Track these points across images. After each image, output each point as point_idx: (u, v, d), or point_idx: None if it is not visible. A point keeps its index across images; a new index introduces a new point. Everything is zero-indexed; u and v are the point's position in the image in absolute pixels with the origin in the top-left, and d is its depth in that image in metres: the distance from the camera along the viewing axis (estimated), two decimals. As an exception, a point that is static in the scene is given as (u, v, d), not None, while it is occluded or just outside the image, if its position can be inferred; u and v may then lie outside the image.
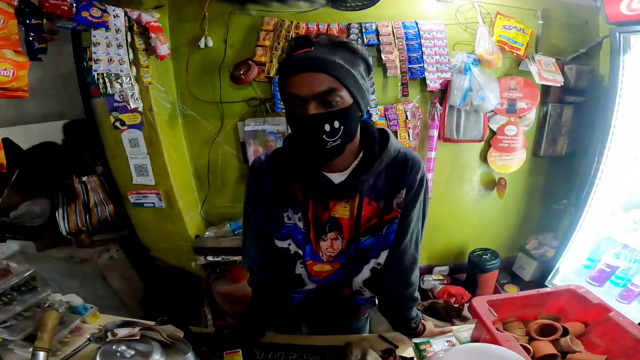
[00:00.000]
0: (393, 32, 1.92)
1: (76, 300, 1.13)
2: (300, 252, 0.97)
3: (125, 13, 1.49)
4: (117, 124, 1.91)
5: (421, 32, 1.93)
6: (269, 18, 1.87)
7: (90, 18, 1.32)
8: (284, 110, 0.86)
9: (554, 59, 2.07)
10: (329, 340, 1.11)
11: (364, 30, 1.89)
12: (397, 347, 1.08)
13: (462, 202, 2.38)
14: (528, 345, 0.98)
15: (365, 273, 1.00)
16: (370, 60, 0.84)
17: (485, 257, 2.24)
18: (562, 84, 2.04)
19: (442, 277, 2.40)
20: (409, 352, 1.07)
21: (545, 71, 1.98)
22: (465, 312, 1.43)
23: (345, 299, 1.07)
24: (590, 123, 2.21)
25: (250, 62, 1.88)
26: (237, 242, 2.00)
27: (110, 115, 1.89)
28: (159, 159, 1.95)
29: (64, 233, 2.07)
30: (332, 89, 0.73)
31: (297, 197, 0.91)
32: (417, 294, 1.08)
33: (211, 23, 1.88)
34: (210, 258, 1.97)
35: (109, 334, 0.85)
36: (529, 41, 2.01)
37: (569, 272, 2.15)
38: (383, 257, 0.97)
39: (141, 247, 2.22)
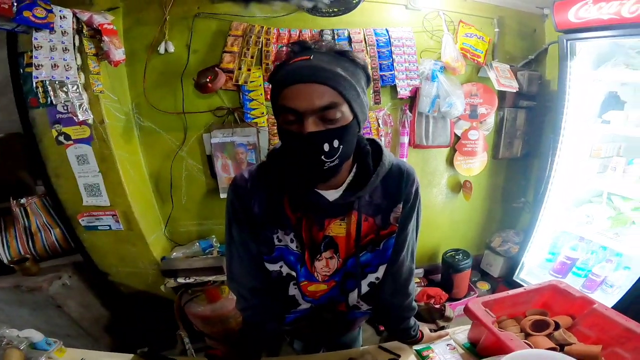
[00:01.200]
0: (365, 39, 1.93)
1: (36, 335, 0.98)
2: (294, 273, 0.90)
3: (74, 14, 1.31)
4: (61, 138, 1.67)
5: (392, 39, 1.96)
6: (237, 23, 1.78)
7: (32, 18, 1.14)
8: (276, 124, 0.78)
9: (509, 66, 2.22)
10: (330, 357, 1.06)
11: (336, 36, 1.87)
12: (399, 356, 1.05)
13: (433, 205, 2.45)
14: (527, 342, 0.99)
15: (363, 288, 0.95)
16: (370, 71, 0.79)
17: (457, 257, 2.31)
18: (517, 89, 2.19)
19: (419, 280, 2.43)
20: (412, 359, 1.04)
21: (502, 77, 2.12)
22: (448, 312, 1.45)
23: (341, 314, 1.02)
24: (541, 126, 2.42)
25: (217, 69, 1.77)
26: (210, 262, 1.85)
27: (52, 128, 1.65)
28: (113, 176, 1.74)
29: (5, 261, 1.80)
30: (333, 104, 0.66)
31: (287, 217, 0.83)
32: (414, 304, 1.06)
33: (172, 27, 1.74)
34: (181, 280, 1.79)
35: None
36: (487, 48, 2.13)
37: (534, 266, 2.29)
38: (381, 271, 0.93)
39: (98, 272, 1.97)
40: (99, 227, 1.83)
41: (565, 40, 1.92)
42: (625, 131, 1.87)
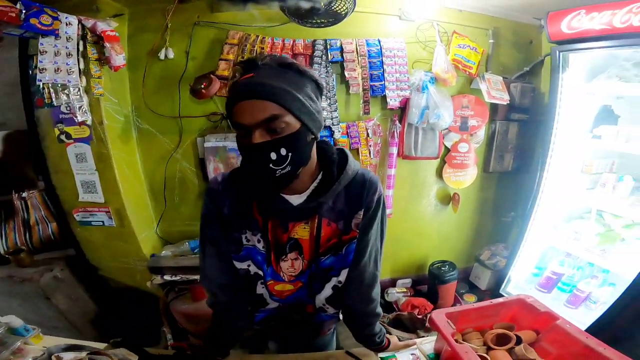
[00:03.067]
0: (357, 49, 1.97)
1: (16, 321, 1.03)
2: (261, 272, 0.95)
3: (79, 21, 1.40)
4: (62, 137, 1.77)
5: (383, 50, 2.00)
6: (234, 32, 1.86)
7: (39, 25, 1.24)
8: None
9: (502, 78, 2.23)
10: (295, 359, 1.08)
11: (328, 46, 1.93)
12: (364, 362, 1.07)
13: (421, 217, 2.47)
14: (486, 355, 1.01)
15: (327, 291, 0.99)
16: (321, 79, 0.85)
17: (444, 268, 2.32)
18: (509, 102, 2.21)
19: (405, 290, 2.45)
20: (375, 366, 1.07)
21: (494, 90, 2.15)
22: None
23: (308, 315, 1.06)
24: (533, 140, 2.42)
25: (212, 75, 1.84)
26: (196, 261, 1.89)
27: (54, 127, 1.75)
28: (109, 175, 1.83)
29: (1, 252, 1.89)
30: (275, 116, 0.71)
31: (255, 219, 0.89)
32: (379, 310, 1.09)
33: (173, 34, 1.83)
34: (167, 277, 1.85)
35: (53, 357, 0.75)
36: (480, 60, 2.14)
37: (520, 280, 2.29)
38: (343, 275, 0.97)
39: (89, 267, 2.04)
40: (92, 223, 1.91)
41: (557, 52, 1.91)
42: (615, 147, 1.86)
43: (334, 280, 0.98)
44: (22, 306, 1.75)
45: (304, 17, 1.64)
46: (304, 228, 0.90)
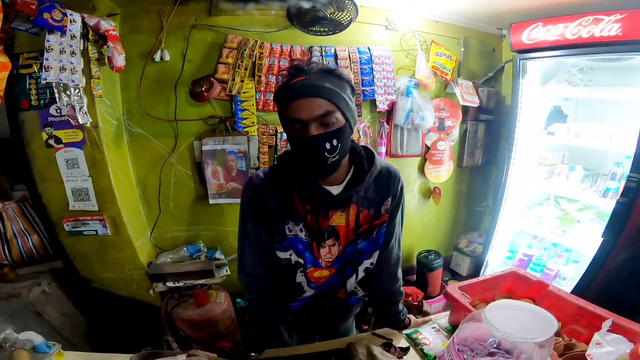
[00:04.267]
0: (349, 56, 2.11)
1: (36, 338, 1.00)
2: (301, 261, 1.02)
3: (83, 19, 1.36)
4: (51, 141, 1.67)
5: (373, 57, 2.15)
6: (233, 36, 1.89)
7: (50, 21, 1.19)
8: (285, 134, 0.93)
9: (472, 83, 2.50)
10: (330, 345, 1.14)
11: (324, 53, 2.03)
12: (392, 340, 1.16)
13: (407, 210, 2.61)
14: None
15: (360, 273, 1.09)
16: (353, 84, 0.97)
17: (430, 257, 2.51)
18: (478, 104, 2.48)
19: (395, 280, 2.59)
20: (404, 342, 1.16)
21: (466, 93, 2.40)
22: (425, 307, 1.61)
23: (339, 301, 1.14)
24: (498, 137, 2.73)
25: (212, 79, 1.86)
26: (199, 266, 1.90)
27: (42, 131, 1.65)
28: (103, 181, 1.75)
29: None
30: (328, 112, 0.83)
31: (297, 209, 0.98)
32: (402, 289, 1.22)
33: (169, 36, 1.81)
34: (170, 284, 1.81)
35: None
36: (454, 67, 2.38)
37: (497, 263, 2.55)
38: (375, 257, 1.08)
39: (80, 279, 1.92)
40: (84, 232, 1.81)
41: (518, 60, 2.20)
42: (567, 141, 2.18)
43: (366, 263, 1.08)
44: (10, 322, 1.60)
45: (308, 24, 1.73)
46: (341, 216, 1.00)
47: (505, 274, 1.37)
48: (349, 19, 1.72)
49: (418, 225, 2.73)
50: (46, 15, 1.17)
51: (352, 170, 1.00)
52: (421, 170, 2.60)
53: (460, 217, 2.90)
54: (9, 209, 1.83)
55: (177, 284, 1.84)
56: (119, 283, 1.94)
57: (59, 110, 1.59)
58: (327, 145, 0.84)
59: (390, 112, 2.32)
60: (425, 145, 2.54)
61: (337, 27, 1.78)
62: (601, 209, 2.11)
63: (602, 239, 1.84)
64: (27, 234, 1.86)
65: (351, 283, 1.10)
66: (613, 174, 1.97)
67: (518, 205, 2.51)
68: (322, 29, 1.79)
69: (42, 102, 1.59)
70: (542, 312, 0.75)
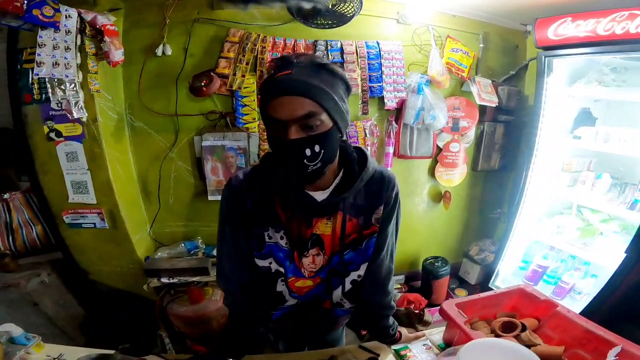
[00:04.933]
0: (356, 50, 2.01)
1: (16, 330, 0.99)
2: (282, 269, 0.95)
3: (79, 14, 1.34)
4: (52, 135, 1.69)
5: (382, 52, 2.04)
6: (235, 29, 1.84)
7: (40, 17, 1.18)
8: (265, 131, 0.84)
9: (491, 81, 2.34)
10: (312, 356, 1.09)
11: (329, 47, 1.95)
12: (378, 355, 1.09)
13: (415, 214, 2.54)
14: (498, 342, 1.06)
15: (346, 285, 1.01)
16: (348, 80, 0.86)
17: (436, 264, 2.40)
18: (497, 104, 2.32)
19: (399, 286, 2.51)
20: (390, 358, 1.09)
21: (484, 92, 2.25)
22: (426, 317, 1.52)
23: (325, 311, 1.07)
24: (518, 140, 2.55)
25: (212, 73, 1.82)
26: (194, 263, 1.87)
27: (44, 125, 1.66)
28: (102, 175, 1.76)
29: None
30: (312, 113, 0.73)
31: (278, 215, 0.90)
32: (393, 303, 1.13)
33: (171, 30, 1.79)
34: (164, 280, 1.80)
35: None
36: (471, 63, 2.23)
37: (508, 274, 2.40)
38: (363, 269, 0.99)
39: (78, 271, 1.95)
40: (83, 225, 1.83)
41: (543, 57, 2.03)
42: (594, 147, 1.99)
43: (353, 275, 0.99)
44: (8, 313, 1.65)
45: (309, 17, 1.65)
46: (326, 224, 0.92)
47: (512, 291, 1.27)
48: (352, 10, 1.63)
49: (426, 231, 2.61)
50: (36, 12, 1.16)
51: (340, 174, 0.90)
52: (431, 172, 2.48)
53: (472, 223, 2.75)
54: (15, 199, 1.88)
55: (171, 280, 1.83)
56: (115, 276, 1.96)
57: (59, 104, 1.60)
58: (308, 152, 0.75)
59: (399, 111, 2.21)
60: (437, 146, 2.41)
61: (341, 19, 1.68)
62: (627, 221, 1.94)
63: (624, 254, 1.67)
64: (31, 225, 1.91)
65: (337, 294, 1.02)
66: (644, 184, 1.79)
67: (536, 213, 2.34)
68: (324, 22, 1.70)
69: (43, 96, 1.59)
70: (526, 353, 0.65)
